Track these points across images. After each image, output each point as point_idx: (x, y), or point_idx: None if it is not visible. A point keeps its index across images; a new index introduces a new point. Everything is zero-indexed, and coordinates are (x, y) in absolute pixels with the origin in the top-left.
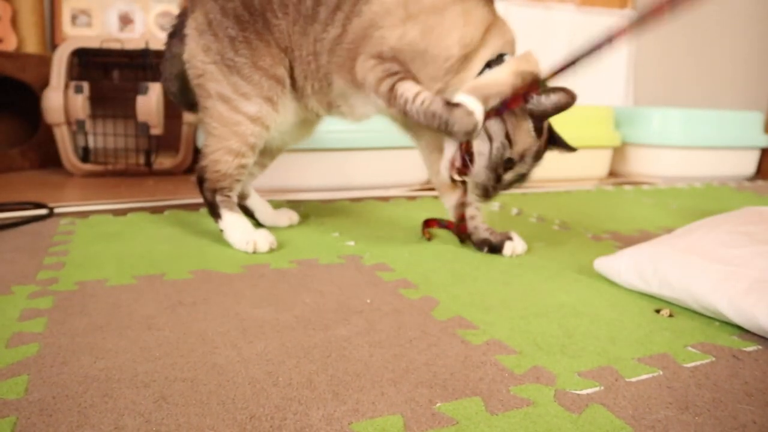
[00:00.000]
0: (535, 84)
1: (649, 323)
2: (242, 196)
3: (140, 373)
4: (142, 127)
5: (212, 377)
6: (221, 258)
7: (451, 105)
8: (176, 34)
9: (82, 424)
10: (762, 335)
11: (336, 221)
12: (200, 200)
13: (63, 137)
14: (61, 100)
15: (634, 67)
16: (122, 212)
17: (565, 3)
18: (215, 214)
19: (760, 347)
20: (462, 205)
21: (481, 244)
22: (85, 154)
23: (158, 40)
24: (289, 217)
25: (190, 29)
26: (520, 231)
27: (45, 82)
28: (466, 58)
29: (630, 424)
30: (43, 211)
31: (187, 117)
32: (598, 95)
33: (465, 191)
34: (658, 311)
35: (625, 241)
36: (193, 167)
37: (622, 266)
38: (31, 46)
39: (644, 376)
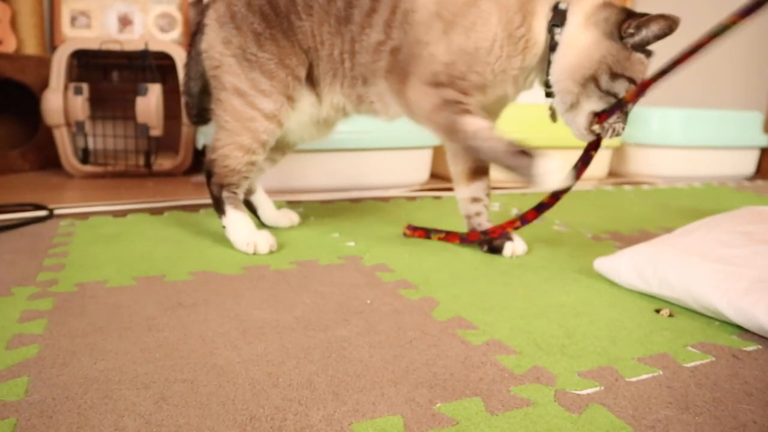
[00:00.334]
0: (627, 18)
1: (649, 323)
2: (248, 192)
3: (140, 374)
4: (142, 129)
5: (212, 378)
6: (221, 259)
7: (516, 152)
8: (200, 31)
9: (83, 425)
10: (762, 335)
11: (336, 222)
12: (200, 201)
13: (62, 139)
14: (60, 101)
15: None
16: (122, 213)
17: None
18: (220, 209)
19: (759, 347)
20: (474, 201)
21: (481, 243)
22: (85, 156)
23: (158, 42)
24: (289, 218)
25: (210, 20)
26: (519, 231)
27: (44, 84)
28: (519, 33)
29: (630, 424)
30: (42, 213)
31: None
32: None
33: (483, 183)
34: (658, 311)
35: (624, 241)
36: (192, 168)
37: (622, 266)
38: (31, 48)
39: (644, 376)
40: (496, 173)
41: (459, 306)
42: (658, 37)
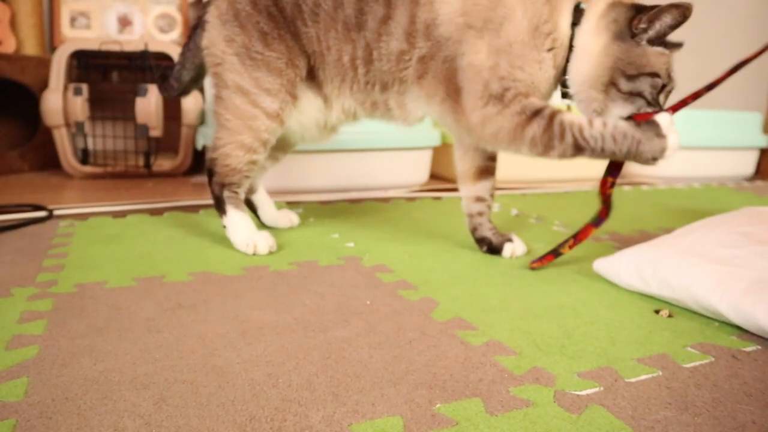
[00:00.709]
0: (636, 14)
1: (648, 324)
2: (250, 190)
3: (140, 375)
4: (142, 129)
5: (212, 379)
6: (221, 260)
7: (638, 127)
8: (201, 26)
9: (82, 426)
10: (761, 335)
11: (336, 222)
12: (200, 202)
13: (62, 139)
14: (60, 102)
15: None
16: (122, 214)
17: None
18: (221, 209)
19: (759, 347)
20: (477, 200)
21: (480, 242)
22: (85, 156)
23: (157, 42)
24: (289, 218)
25: (212, 17)
26: (519, 232)
27: (44, 84)
28: (546, 28)
29: (629, 425)
30: (42, 214)
31: (187, 119)
32: None
33: (489, 183)
34: (657, 312)
35: (624, 241)
36: (192, 169)
37: (622, 267)
38: (30, 48)
39: (644, 377)
40: (501, 174)
41: (459, 307)
42: (673, 27)
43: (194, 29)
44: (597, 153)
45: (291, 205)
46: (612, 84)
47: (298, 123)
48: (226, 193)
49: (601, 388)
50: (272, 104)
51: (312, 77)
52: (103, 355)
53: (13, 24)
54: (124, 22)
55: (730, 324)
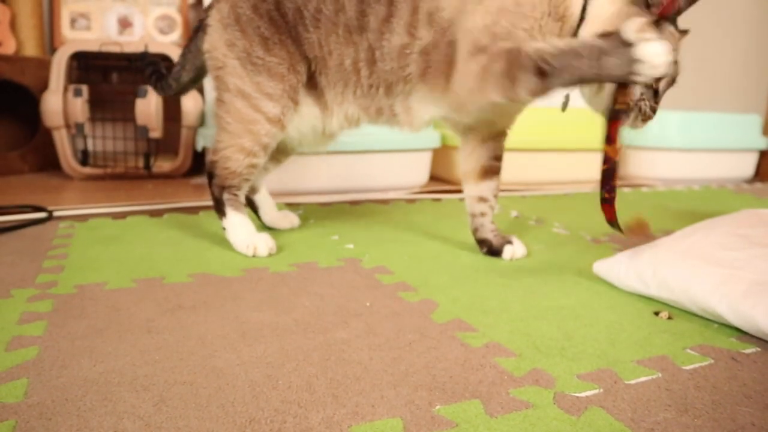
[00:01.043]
0: None
1: (648, 326)
2: (252, 190)
3: (140, 377)
4: (142, 131)
5: (212, 380)
6: (221, 261)
7: (607, 44)
8: (202, 29)
9: (82, 427)
10: (760, 337)
11: (335, 224)
12: (199, 203)
13: (62, 140)
14: (60, 103)
15: None
16: (121, 215)
17: None
18: (220, 211)
19: (758, 349)
20: (480, 200)
21: (481, 244)
22: (84, 158)
23: (157, 44)
24: (289, 220)
25: (214, 20)
26: (519, 234)
27: (44, 86)
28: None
29: (629, 427)
30: (42, 215)
31: (187, 120)
32: None
33: (493, 183)
34: (657, 314)
35: (623, 243)
36: (192, 170)
37: (621, 269)
38: (30, 50)
39: (643, 379)
40: (502, 175)
41: (458, 308)
42: (690, 2)
43: (196, 32)
44: (564, 76)
45: (291, 206)
46: None
47: (295, 130)
48: (225, 196)
49: (601, 390)
50: (274, 109)
51: (311, 85)
52: (102, 357)
53: (13, 25)
54: (125, 24)
55: (729, 326)
